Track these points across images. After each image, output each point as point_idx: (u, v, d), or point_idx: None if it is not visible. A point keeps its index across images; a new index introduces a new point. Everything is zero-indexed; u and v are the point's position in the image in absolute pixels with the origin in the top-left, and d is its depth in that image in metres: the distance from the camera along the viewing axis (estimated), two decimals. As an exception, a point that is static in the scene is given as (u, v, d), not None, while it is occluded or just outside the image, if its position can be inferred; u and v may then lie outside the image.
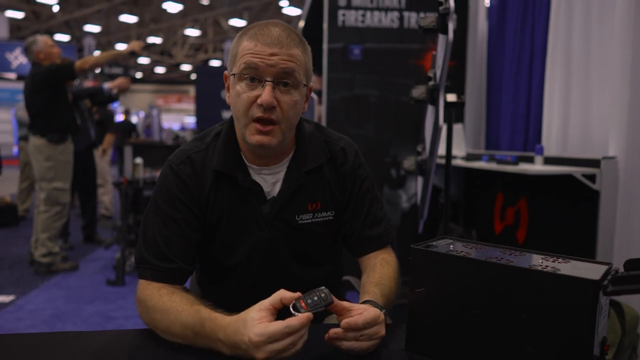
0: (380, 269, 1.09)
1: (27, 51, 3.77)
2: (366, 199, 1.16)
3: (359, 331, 0.83)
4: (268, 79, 0.97)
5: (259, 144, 0.99)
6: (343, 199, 1.14)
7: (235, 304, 1.12)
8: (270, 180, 1.08)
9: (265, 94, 0.96)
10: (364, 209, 1.15)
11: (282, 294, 0.80)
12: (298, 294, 0.81)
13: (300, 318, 0.77)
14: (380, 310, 0.90)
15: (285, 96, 0.99)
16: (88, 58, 3.84)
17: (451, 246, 0.91)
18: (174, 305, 0.91)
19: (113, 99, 4.60)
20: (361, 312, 0.85)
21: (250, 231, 1.08)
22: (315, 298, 0.81)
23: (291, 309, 0.79)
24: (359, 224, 1.15)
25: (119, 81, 4.40)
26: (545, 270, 0.76)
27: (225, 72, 1.07)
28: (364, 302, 0.93)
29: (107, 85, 4.37)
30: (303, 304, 0.80)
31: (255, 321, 0.77)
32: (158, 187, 1.07)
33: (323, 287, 0.83)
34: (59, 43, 3.99)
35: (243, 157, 1.08)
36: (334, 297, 0.84)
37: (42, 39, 3.78)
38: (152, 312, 0.94)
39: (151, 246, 1.02)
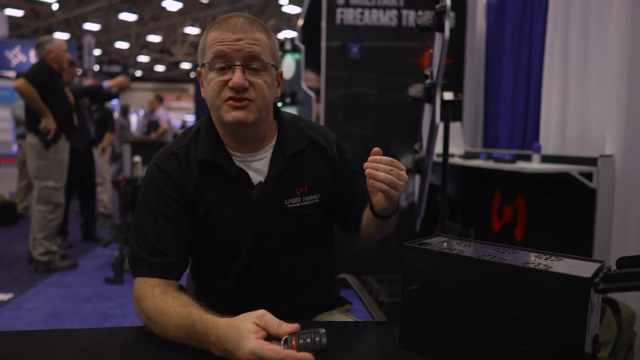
0: None
1: (39, 46, 3.75)
2: (356, 180, 1.21)
3: (387, 165, 0.96)
4: (237, 63, 1.00)
5: (236, 120, 1.01)
6: (330, 181, 1.17)
7: (230, 296, 1.13)
8: (255, 167, 1.10)
9: (236, 76, 1.00)
10: (357, 189, 1.21)
11: (283, 328, 0.79)
12: (296, 326, 0.79)
13: (301, 357, 0.74)
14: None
15: (256, 78, 1.02)
16: (26, 88, 3.52)
17: (445, 244, 0.92)
18: (166, 307, 0.92)
19: (113, 96, 4.62)
20: None
21: (240, 218, 1.09)
22: (309, 340, 0.76)
23: (282, 342, 0.77)
24: (354, 204, 1.21)
25: (119, 79, 4.41)
26: (537, 267, 0.77)
27: (198, 68, 1.09)
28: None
29: (107, 83, 4.38)
30: (294, 343, 0.76)
31: (251, 334, 0.78)
32: (145, 185, 1.08)
33: (323, 329, 0.78)
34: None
35: (226, 146, 1.09)
36: None
37: (58, 41, 3.79)
38: (146, 314, 0.95)
39: (144, 243, 1.02)
